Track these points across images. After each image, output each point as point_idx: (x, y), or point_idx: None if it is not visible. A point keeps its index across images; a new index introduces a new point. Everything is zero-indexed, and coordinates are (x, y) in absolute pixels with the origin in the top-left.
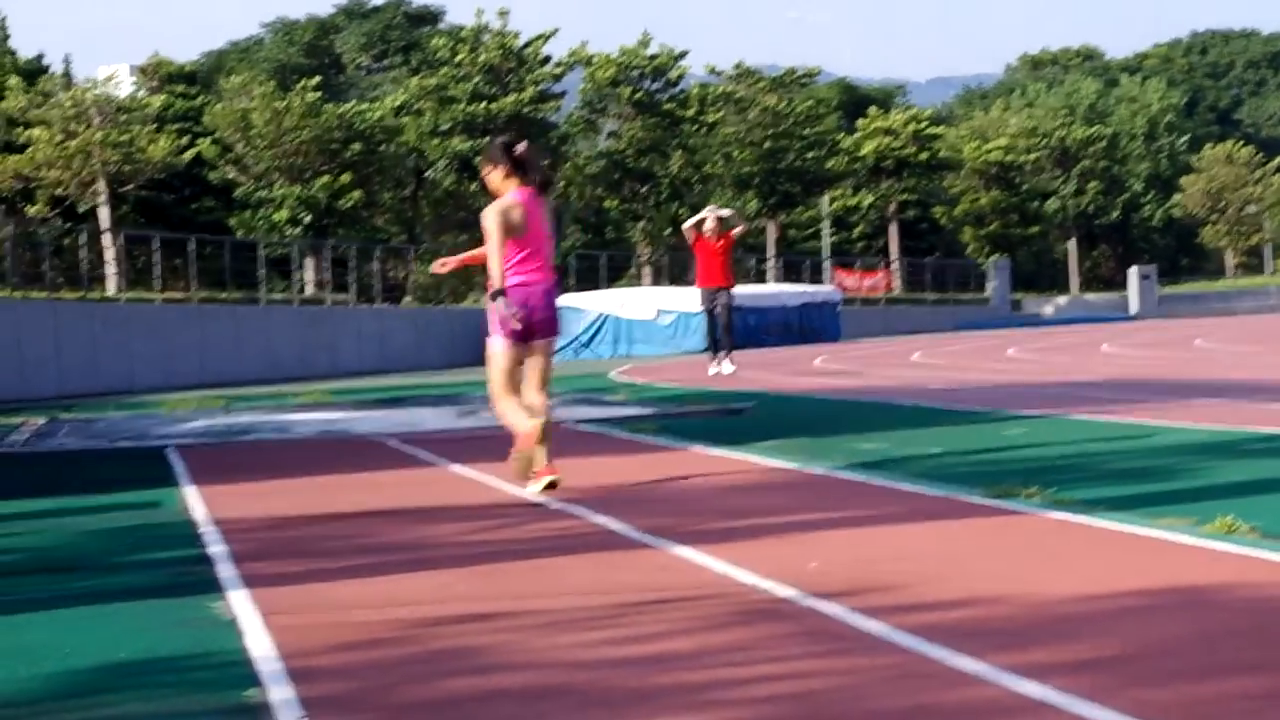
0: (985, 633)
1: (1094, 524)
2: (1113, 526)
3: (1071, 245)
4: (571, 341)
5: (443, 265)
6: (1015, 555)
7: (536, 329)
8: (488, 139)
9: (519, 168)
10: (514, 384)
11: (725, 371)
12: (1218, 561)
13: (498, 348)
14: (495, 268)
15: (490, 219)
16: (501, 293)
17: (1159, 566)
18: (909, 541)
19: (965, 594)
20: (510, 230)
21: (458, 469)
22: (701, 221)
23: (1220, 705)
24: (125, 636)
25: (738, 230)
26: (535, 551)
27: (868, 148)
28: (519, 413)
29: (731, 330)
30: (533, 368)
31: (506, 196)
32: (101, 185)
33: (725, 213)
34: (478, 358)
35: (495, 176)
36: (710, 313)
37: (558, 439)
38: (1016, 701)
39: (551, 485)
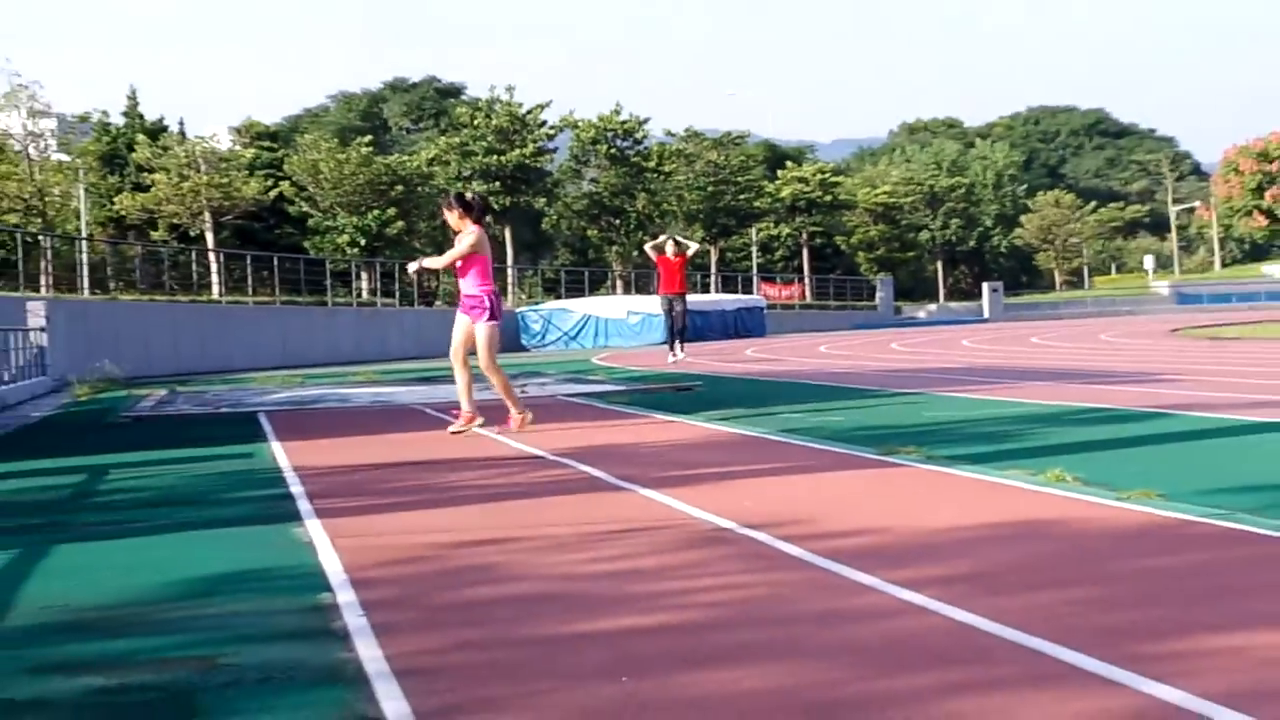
0: (876, 555)
1: (957, 474)
2: (971, 476)
3: (939, 266)
4: (561, 336)
5: (417, 270)
6: (898, 497)
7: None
8: (454, 189)
9: (471, 211)
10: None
11: (680, 358)
12: (1050, 503)
13: (495, 332)
14: (441, 261)
15: (471, 237)
16: (434, 273)
17: (1006, 506)
18: (818, 486)
19: (861, 525)
20: (480, 250)
21: (477, 430)
22: (663, 245)
23: (1052, 609)
24: (228, 553)
25: (692, 251)
26: (535, 492)
27: (786, 191)
28: (511, 393)
29: (685, 328)
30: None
31: (475, 229)
32: (207, 216)
33: (693, 247)
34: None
35: (453, 217)
36: (668, 314)
37: (554, 407)
38: (900, 606)
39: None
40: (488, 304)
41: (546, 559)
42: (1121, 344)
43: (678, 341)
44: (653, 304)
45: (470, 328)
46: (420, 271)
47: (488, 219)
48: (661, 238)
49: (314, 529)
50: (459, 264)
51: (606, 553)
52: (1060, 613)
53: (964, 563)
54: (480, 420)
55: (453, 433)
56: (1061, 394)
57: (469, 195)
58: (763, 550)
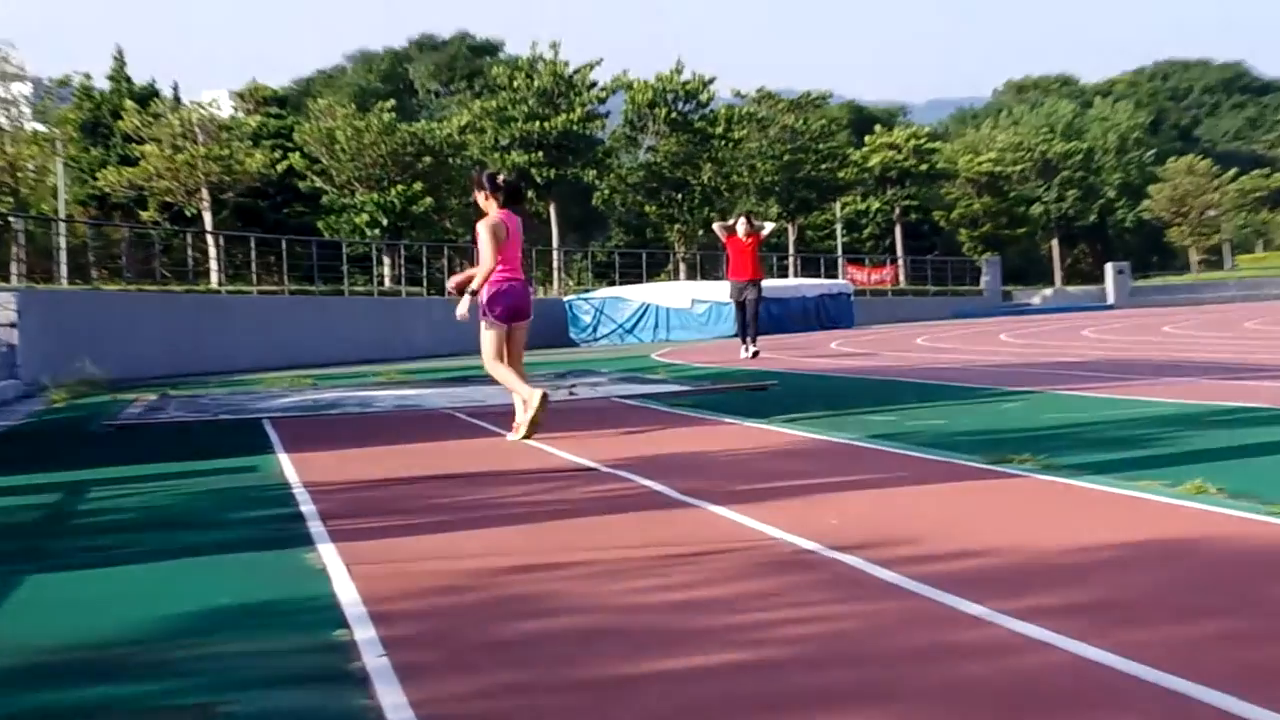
0: (986, 580)
1: (1080, 486)
2: (1096, 488)
3: (1054, 244)
4: (617, 328)
5: (455, 288)
6: (1011, 513)
7: (521, 315)
8: (476, 167)
9: (498, 193)
10: (503, 357)
11: (753, 354)
12: (1189, 519)
13: (491, 332)
14: (482, 271)
15: (483, 232)
16: (474, 293)
17: (1137, 523)
18: (917, 501)
19: (968, 547)
20: (499, 237)
21: (517, 438)
22: (733, 224)
23: (1191, 643)
24: (228, 584)
25: (767, 230)
26: (586, 510)
27: (874, 160)
28: (520, 381)
29: (757, 319)
30: (515, 344)
31: (493, 215)
32: (205, 193)
33: (769, 226)
34: (534, 342)
35: (481, 198)
36: (739, 303)
37: (608, 410)
38: (1015, 641)
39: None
40: (484, 296)
41: (600, 588)
42: (1271, 333)
43: (750, 336)
44: (721, 291)
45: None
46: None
47: (521, 205)
48: (732, 217)
49: (328, 554)
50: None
51: (670, 580)
52: (1204, 648)
53: (1090, 590)
54: (539, 395)
55: (514, 441)
56: (1201, 392)
57: (501, 175)
58: (853, 576)
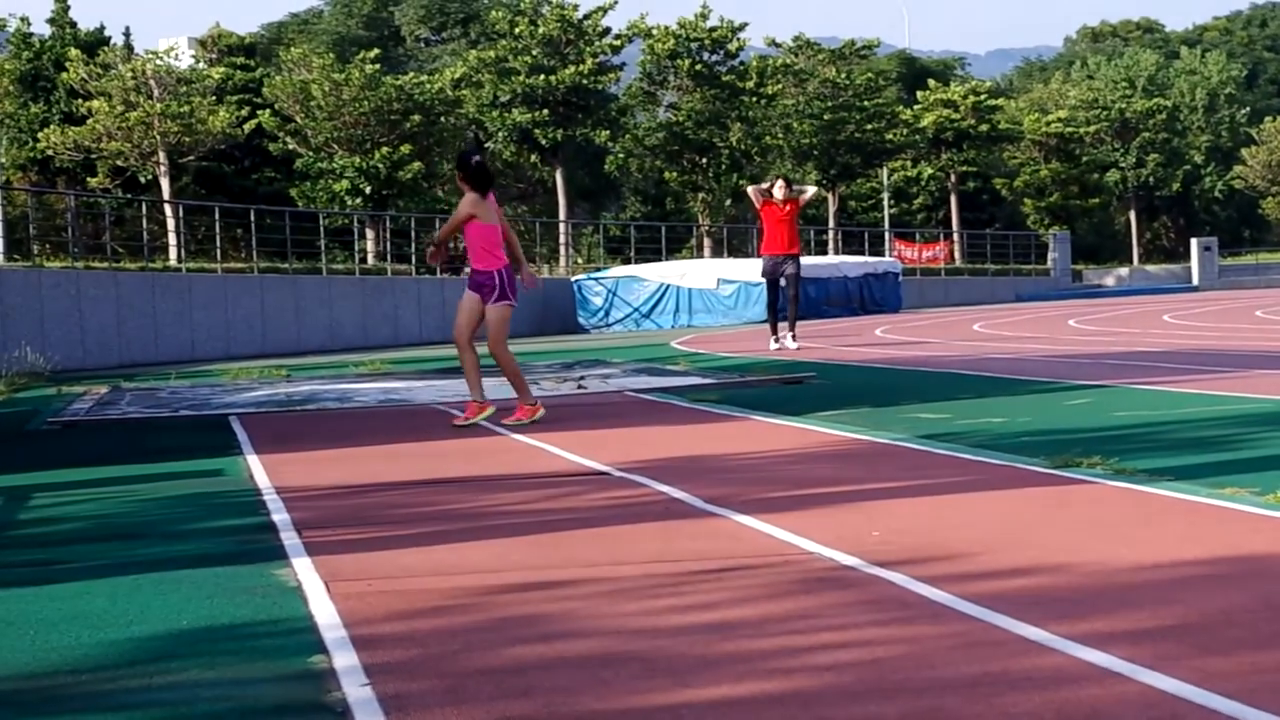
0: (1048, 601)
1: (1156, 493)
2: (1174, 495)
3: (1132, 217)
4: (632, 312)
5: (433, 256)
6: (1077, 525)
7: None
8: (465, 144)
9: (468, 175)
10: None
11: (790, 347)
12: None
13: (507, 314)
14: (444, 230)
15: (467, 203)
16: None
17: (1220, 536)
18: (971, 510)
19: (1028, 563)
20: (482, 217)
21: (519, 438)
22: (770, 188)
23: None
24: (189, 603)
25: (808, 195)
26: (598, 520)
27: (927, 119)
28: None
29: (798, 302)
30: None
31: (473, 195)
32: (162, 156)
33: (810, 191)
34: (538, 328)
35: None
36: (773, 282)
37: (622, 406)
38: (1080, 669)
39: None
40: (497, 282)
41: (611, 608)
42: None
43: (787, 322)
44: (753, 269)
45: (479, 307)
46: (437, 255)
47: (500, 190)
48: (767, 180)
49: (303, 569)
50: (463, 234)
51: (690, 599)
52: None
53: (1165, 612)
54: (490, 411)
55: (457, 426)
56: None
57: (474, 157)
58: (897, 595)
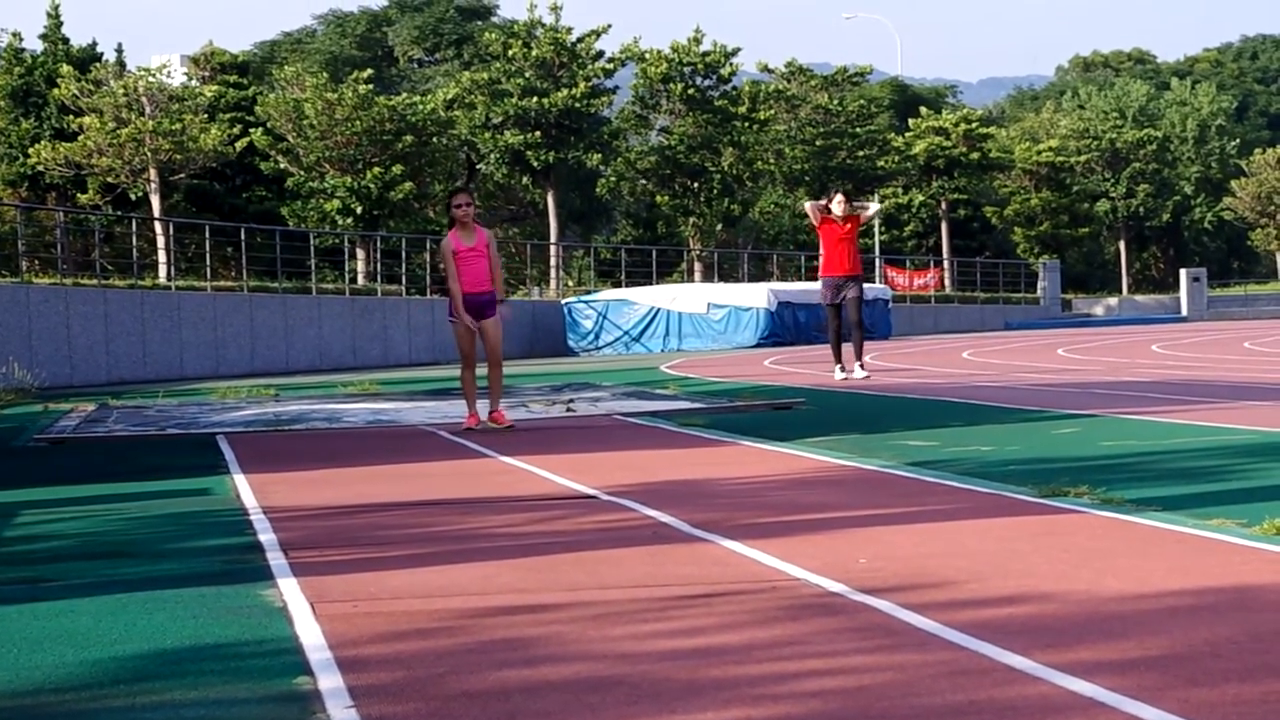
0: (1034, 630)
1: (1142, 523)
2: (1161, 526)
3: (1121, 246)
4: (622, 335)
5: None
6: (1064, 554)
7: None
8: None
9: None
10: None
11: (857, 377)
12: (1267, 563)
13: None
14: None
15: (442, 253)
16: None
17: (1207, 567)
18: (958, 538)
19: (1014, 591)
20: (449, 261)
21: (508, 460)
22: (829, 203)
23: (1268, 706)
24: (174, 623)
25: (870, 212)
26: (585, 543)
27: (919, 147)
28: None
29: (862, 326)
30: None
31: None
32: (153, 174)
33: (872, 208)
34: (528, 350)
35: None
36: (835, 306)
37: (611, 430)
38: (1065, 699)
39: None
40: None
41: (597, 632)
42: None
43: (855, 347)
44: (741, 294)
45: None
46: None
47: (466, 216)
48: (827, 195)
49: (289, 590)
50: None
51: (678, 624)
52: None
53: (1151, 642)
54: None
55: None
56: None
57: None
58: (883, 622)
